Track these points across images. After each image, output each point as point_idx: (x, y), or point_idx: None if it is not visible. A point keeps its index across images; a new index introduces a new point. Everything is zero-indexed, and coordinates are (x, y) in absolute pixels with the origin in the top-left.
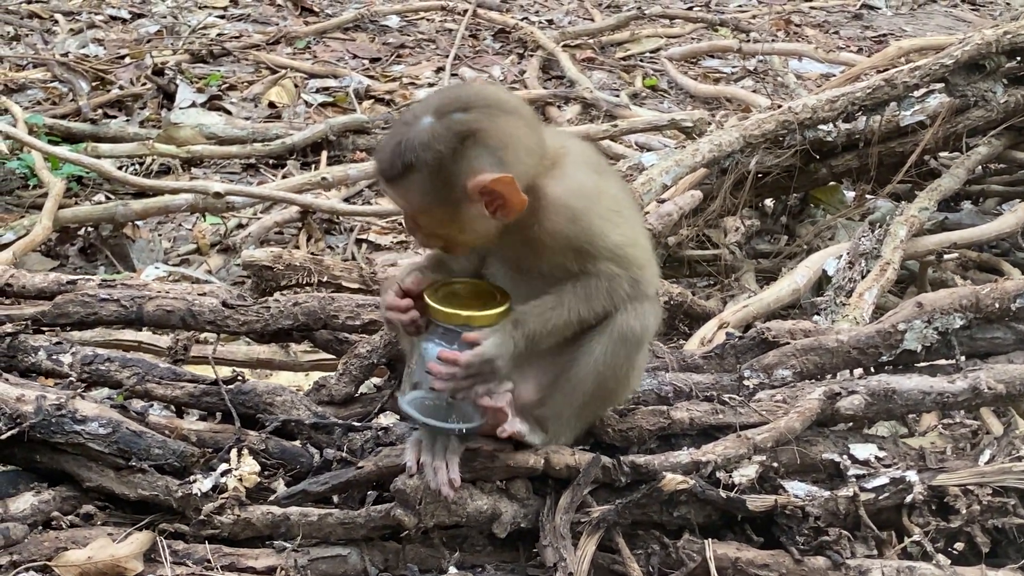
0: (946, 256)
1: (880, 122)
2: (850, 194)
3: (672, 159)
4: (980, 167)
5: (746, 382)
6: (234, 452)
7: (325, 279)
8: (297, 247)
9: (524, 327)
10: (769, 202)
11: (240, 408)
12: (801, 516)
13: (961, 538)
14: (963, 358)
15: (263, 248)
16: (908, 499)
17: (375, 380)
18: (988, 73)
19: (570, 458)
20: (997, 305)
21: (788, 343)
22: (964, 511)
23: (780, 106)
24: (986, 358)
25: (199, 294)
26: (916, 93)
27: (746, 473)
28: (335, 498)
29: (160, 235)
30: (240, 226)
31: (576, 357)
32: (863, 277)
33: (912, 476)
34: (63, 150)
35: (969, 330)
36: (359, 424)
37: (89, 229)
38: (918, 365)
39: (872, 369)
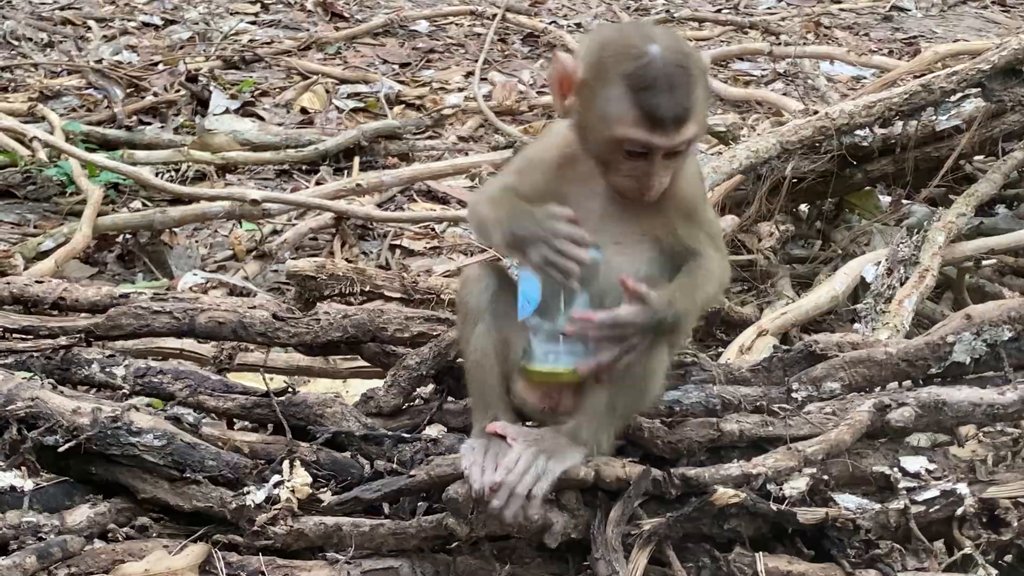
0: (984, 262)
1: (916, 127)
2: (885, 199)
3: (709, 165)
4: (1016, 171)
5: (794, 395)
6: (286, 463)
7: (367, 288)
8: (331, 253)
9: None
10: (804, 207)
11: (291, 420)
12: (852, 529)
13: (1011, 550)
14: (1011, 370)
15: (306, 259)
16: (959, 511)
17: (422, 390)
18: None
19: (620, 470)
20: None
21: (836, 355)
22: (1015, 523)
23: (816, 112)
24: None
25: (249, 307)
26: (952, 98)
27: (796, 486)
28: (386, 509)
29: (197, 242)
30: (275, 232)
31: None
32: (902, 284)
33: (963, 489)
34: (101, 157)
35: (1018, 342)
36: (408, 435)
37: (127, 236)
38: (967, 377)
39: (921, 381)
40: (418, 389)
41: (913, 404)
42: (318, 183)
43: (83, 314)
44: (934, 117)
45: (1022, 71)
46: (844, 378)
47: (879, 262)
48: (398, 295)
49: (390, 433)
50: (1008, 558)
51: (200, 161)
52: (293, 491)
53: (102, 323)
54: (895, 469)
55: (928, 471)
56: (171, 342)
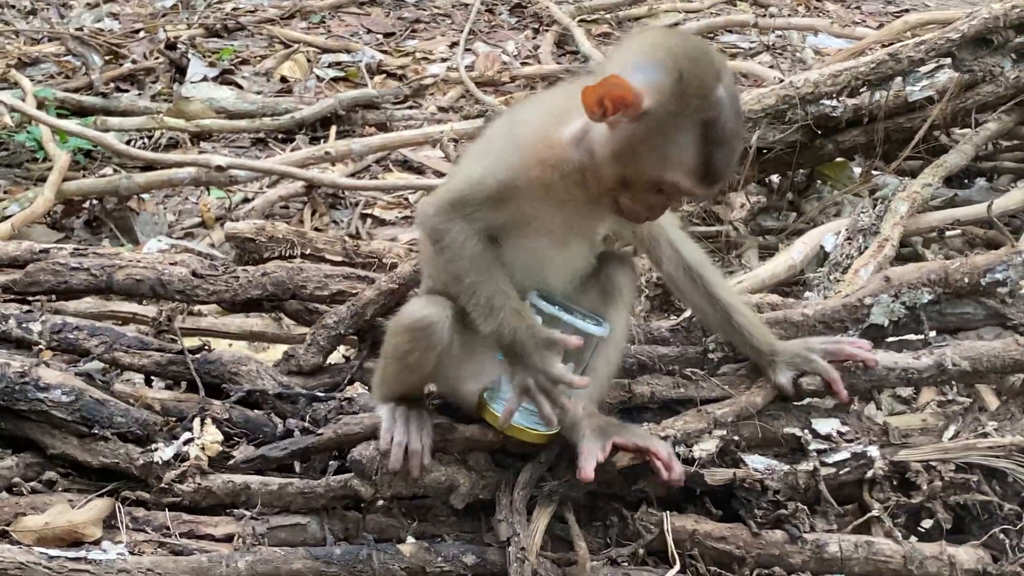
0: (948, 233)
1: (886, 97)
2: (859, 170)
3: None
4: (992, 143)
5: (710, 355)
6: (197, 421)
7: (308, 252)
8: (301, 221)
9: None
10: (775, 178)
11: (206, 377)
12: (760, 490)
13: (924, 514)
14: (933, 333)
15: (246, 221)
16: (869, 474)
17: (344, 350)
18: (996, 48)
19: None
20: (967, 280)
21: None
22: (925, 487)
23: (781, 80)
24: (956, 333)
25: (170, 263)
26: (923, 68)
27: (706, 447)
28: (297, 468)
29: (166, 208)
30: (246, 200)
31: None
32: (860, 253)
33: (873, 451)
34: (68, 123)
35: (939, 305)
36: (323, 394)
37: (94, 202)
38: (887, 340)
39: None
40: (339, 347)
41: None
42: (293, 152)
43: (5, 270)
44: (906, 88)
45: (992, 41)
46: None
47: (839, 232)
48: (339, 259)
49: (304, 391)
50: (926, 523)
51: (174, 128)
52: (203, 448)
53: (20, 279)
54: (806, 431)
55: (840, 433)
56: (125, 306)
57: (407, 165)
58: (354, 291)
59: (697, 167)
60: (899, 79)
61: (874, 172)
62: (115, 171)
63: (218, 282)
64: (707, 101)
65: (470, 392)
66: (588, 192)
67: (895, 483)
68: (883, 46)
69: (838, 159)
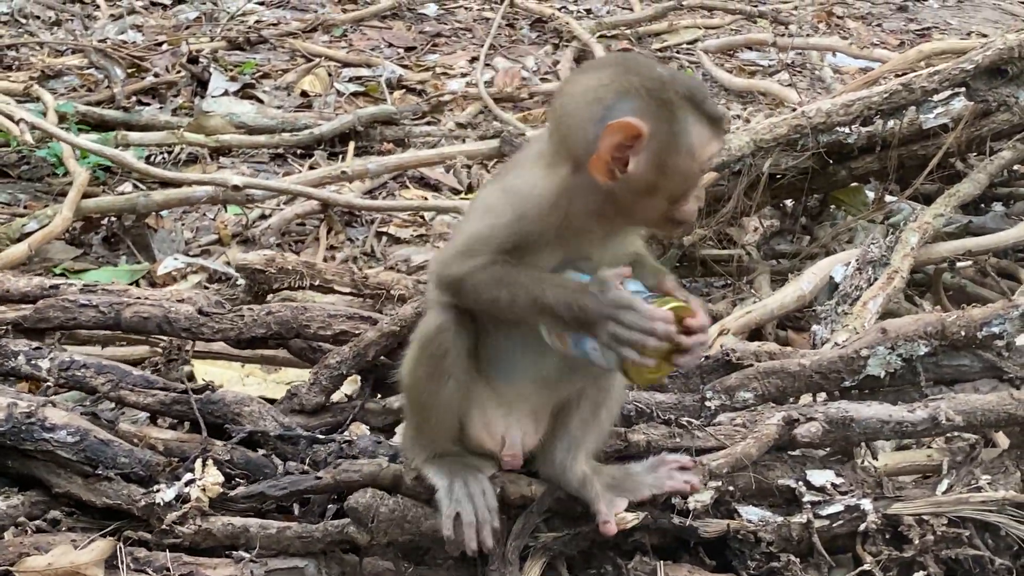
0: (959, 263)
1: (900, 126)
2: (873, 195)
3: None
4: (1007, 171)
5: (708, 403)
6: (199, 462)
7: (317, 283)
8: (317, 239)
9: None
10: (789, 203)
11: (209, 417)
12: (754, 541)
13: (916, 568)
14: (931, 384)
15: (256, 251)
16: (862, 527)
17: (347, 389)
18: (1011, 78)
19: (526, 488)
20: (963, 333)
21: (752, 365)
22: (917, 541)
23: (795, 109)
24: (952, 384)
25: (177, 300)
26: (936, 97)
27: (701, 498)
28: (296, 511)
29: (183, 225)
30: (263, 217)
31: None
32: (870, 285)
33: (867, 504)
34: (85, 140)
35: (935, 357)
36: (323, 436)
37: (112, 219)
38: (884, 390)
39: (838, 392)
40: (343, 386)
41: (821, 419)
42: (311, 168)
43: (16, 305)
44: (920, 116)
45: (1007, 71)
46: (757, 388)
47: (849, 262)
48: (348, 290)
49: (305, 433)
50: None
51: (193, 144)
52: (204, 490)
53: (30, 315)
54: (800, 483)
55: (834, 485)
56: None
57: (423, 182)
58: (357, 332)
59: (710, 130)
60: (913, 108)
61: (889, 198)
62: (135, 187)
63: (223, 320)
64: (668, 83)
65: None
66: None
67: (888, 536)
68: (897, 75)
69: (852, 184)
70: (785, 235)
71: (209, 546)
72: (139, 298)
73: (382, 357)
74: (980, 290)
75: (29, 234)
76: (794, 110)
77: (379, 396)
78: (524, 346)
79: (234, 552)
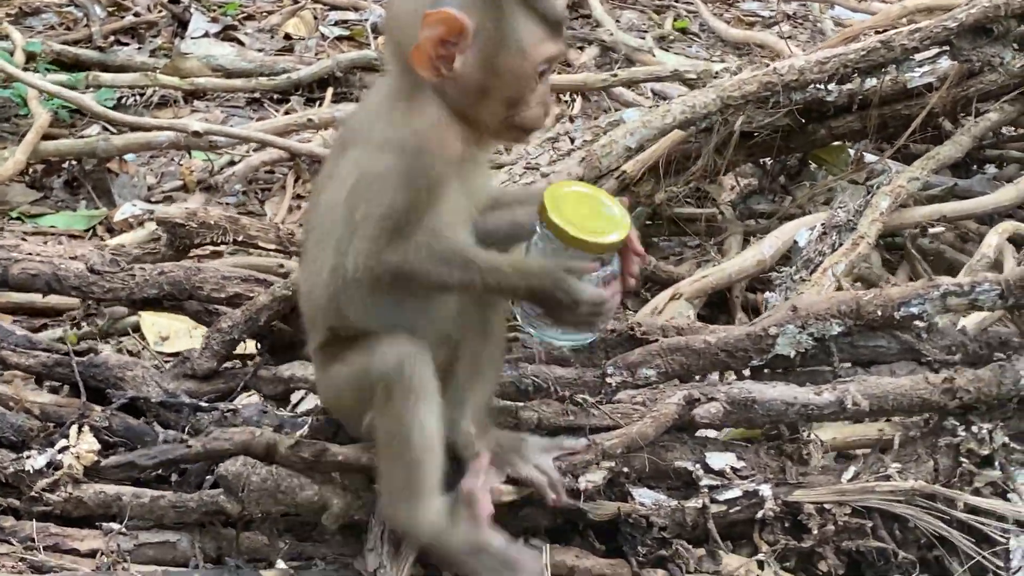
0: (933, 229)
1: (880, 84)
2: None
3: (640, 120)
4: (995, 133)
5: (608, 379)
6: (74, 428)
7: (241, 238)
8: (284, 188)
9: None
10: (769, 161)
11: (91, 381)
12: (645, 526)
13: (816, 559)
14: (848, 364)
15: (177, 205)
16: (759, 514)
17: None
18: (996, 37)
19: None
20: (880, 313)
21: (656, 340)
22: (817, 531)
23: (769, 64)
24: (869, 366)
25: (69, 257)
26: (922, 55)
27: (593, 479)
28: (173, 480)
29: (149, 169)
30: (231, 163)
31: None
32: (833, 251)
33: (766, 490)
34: (44, 82)
35: (850, 337)
36: (207, 404)
37: (74, 162)
38: (797, 370)
39: (749, 371)
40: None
41: (723, 400)
42: (287, 113)
43: None
44: (905, 75)
45: (992, 30)
46: (660, 365)
47: (815, 226)
48: (273, 246)
49: (187, 401)
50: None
51: (166, 86)
52: (78, 457)
53: None
54: (698, 466)
55: (734, 469)
56: None
57: None
58: (251, 294)
59: (546, 29)
60: (893, 66)
61: (871, 157)
62: (104, 129)
63: (115, 280)
64: None
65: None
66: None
67: (787, 525)
68: (878, 32)
69: (835, 143)
70: (765, 194)
71: (81, 515)
72: (29, 254)
73: (277, 322)
74: (959, 256)
75: None
76: (767, 66)
77: (274, 362)
78: (428, 307)
79: (103, 524)
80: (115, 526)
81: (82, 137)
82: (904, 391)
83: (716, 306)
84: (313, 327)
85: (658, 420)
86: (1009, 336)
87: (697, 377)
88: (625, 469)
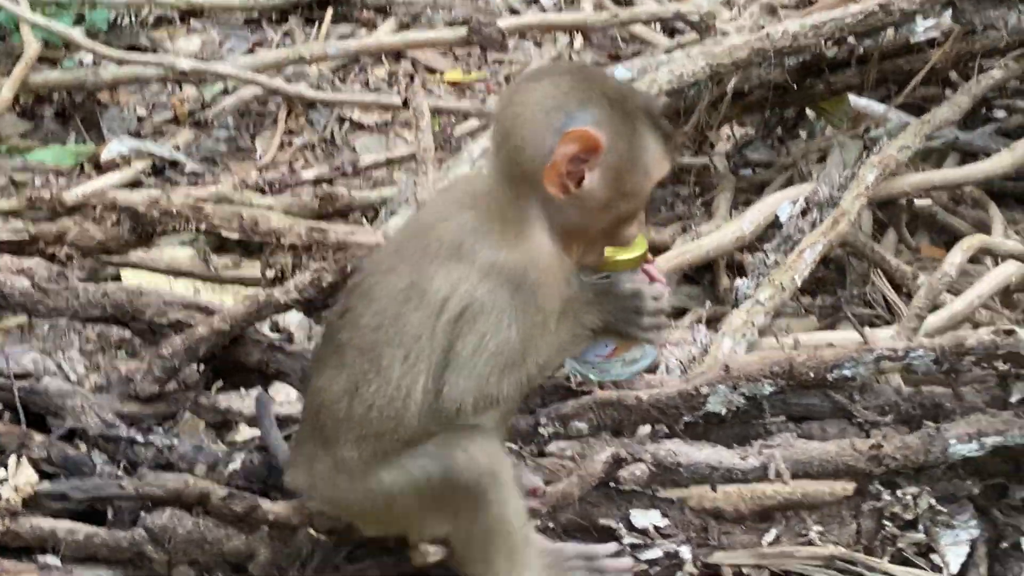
0: (917, 202)
1: (879, 45)
2: (864, 101)
3: None
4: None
5: (541, 430)
6: (13, 459)
7: (204, 227)
8: (275, 121)
9: None
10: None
11: (33, 407)
12: None
13: None
14: (782, 420)
15: (142, 191)
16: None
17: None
18: (1001, 1)
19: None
20: (812, 374)
21: (589, 392)
22: None
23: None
24: (801, 422)
25: (16, 271)
26: (917, 22)
27: None
28: (110, 515)
29: (142, 99)
30: (225, 92)
31: None
32: (813, 228)
33: (685, 552)
34: (33, 14)
35: (783, 394)
36: (142, 439)
37: (64, 93)
38: (730, 422)
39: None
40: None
41: (649, 462)
42: (286, 35)
43: None
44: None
45: None
46: (593, 419)
47: (797, 200)
48: (237, 235)
49: (124, 435)
50: None
51: (162, 4)
52: (16, 489)
53: None
54: (622, 524)
55: (657, 528)
56: None
57: (400, 57)
58: (191, 323)
59: (664, 148)
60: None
61: (879, 107)
62: (96, 61)
63: (59, 299)
64: (628, 96)
65: None
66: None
67: None
68: None
69: (836, 96)
70: (763, 143)
71: (19, 547)
72: None
73: (212, 353)
74: (951, 219)
75: None
76: (760, 29)
77: (216, 388)
78: None
79: (39, 557)
80: (51, 559)
81: (75, 65)
82: (830, 457)
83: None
84: (357, 435)
85: (584, 480)
86: (943, 399)
87: (628, 432)
88: (550, 524)
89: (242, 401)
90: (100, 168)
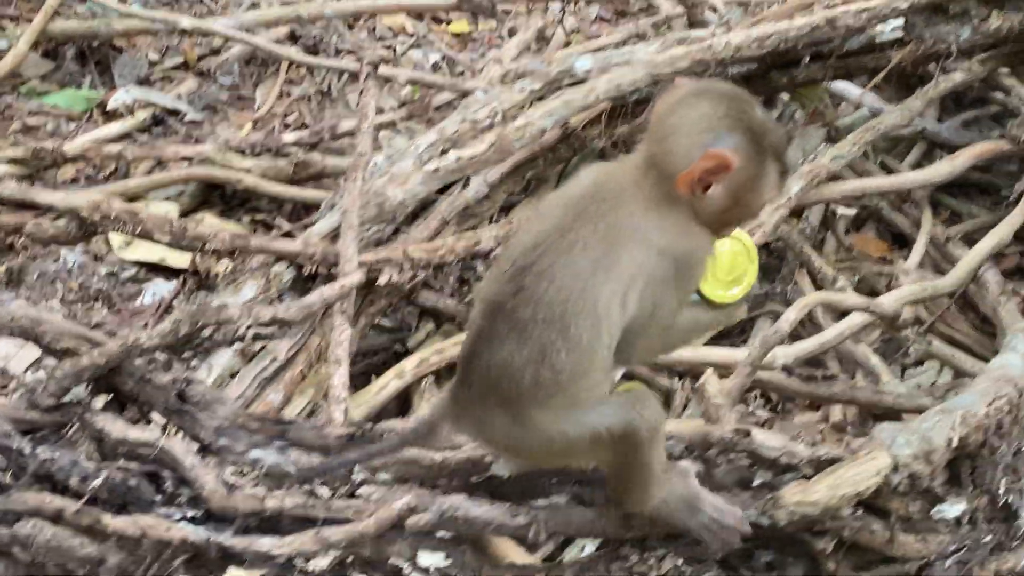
0: (843, 211)
1: (834, 50)
2: (843, 86)
3: (560, 99)
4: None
5: (353, 476)
6: None
7: (139, 231)
8: (278, 71)
9: None
10: None
11: None
12: None
13: None
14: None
15: (84, 192)
16: None
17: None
18: (952, 17)
19: (164, 532)
20: None
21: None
22: None
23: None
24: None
25: None
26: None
27: (320, 564)
28: None
29: (154, 44)
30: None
31: None
32: None
33: None
34: None
35: None
36: (28, 451)
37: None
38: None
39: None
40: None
41: (435, 512)
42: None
43: None
44: (877, 28)
45: (948, 9)
46: (397, 471)
47: None
48: (167, 239)
49: (14, 446)
50: None
51: None
52: None
53: None
54: (409, 564)
55: (439, 570)
56: None
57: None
58: (79, 352)
59: (780, 180)
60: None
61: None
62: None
63: None
64: (768, 132)
65: None
66: None
67: None
68: (826, 7)
69: (812, 82)
70: None
71: None
72: None
73: (93, 382)
74: (896, 216)
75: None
76: (700, 41)
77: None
78: None
79: None
80: None
81: (89, 14)
82: (585, 523)
83: None
84: (544, 396)
85: (379, 523)
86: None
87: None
88: (349, 559)
89: (115, 424)
90: (107, 116)
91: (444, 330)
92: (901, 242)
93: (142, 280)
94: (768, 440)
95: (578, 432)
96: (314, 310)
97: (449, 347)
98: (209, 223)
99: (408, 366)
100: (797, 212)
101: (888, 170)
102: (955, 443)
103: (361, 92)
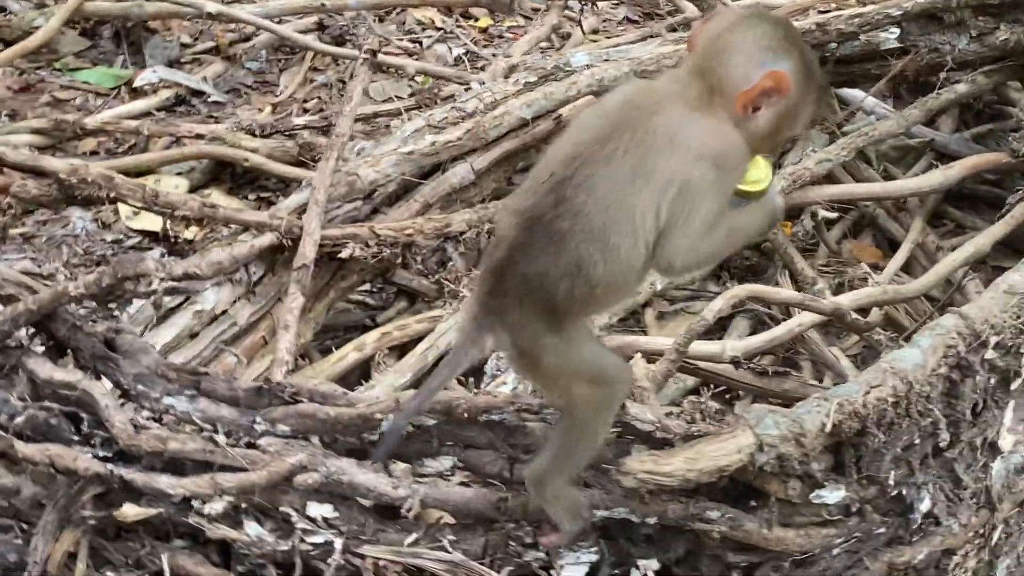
0: (824, 214)
1: (828, 57)
2: (850, 92)
3: (540, 91)
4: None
5: (256, 426)
6: None
7: (113, 195)
8: (303, 59)
9: None
10: None
11: None
12: (247, 553)
13: None
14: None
15: (63, 159)
16: (330, 560)
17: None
18: (948, 26)
19: (81, 463)
20: (467, 415)
21: (297, 403)
22: None
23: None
24: (467, 449)
25: None
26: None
27: (215, 507)
28: None
29: (186, 27)
30: None
31: None
32: None
33: (338, 542)
34: None
35: (450, 425)
36: None
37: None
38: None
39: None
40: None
41: (323, 473)
42: None
43: None
44: (880, 35)
45: (943, 19)
46: (295, 425)
47: None
48: (140, 204)
49: None
50: None
51: None
52: None
53: None
54: (297, 512)
55: (326, 519)
56: None
57: None
58: (18, 298)
59: (817, 108)
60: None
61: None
62: None
63: None
64: (815, 63)
65: None
66: None
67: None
68: (820, 12)
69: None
70: None
71: None
72: None
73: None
74: (890, 224)
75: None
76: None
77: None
78: None
79: None
80: None
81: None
82: (465, 501)
83: None
84: (579, 308)
85: (271, 475)
86: None
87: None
88: (243, 504)
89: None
90: (134, 94)
91: (415, 309)
92: (896, 250)
93: (144, 249)
94: (642, 414)
95: (587, 359)
96: (224, 267)
97: (412, 324)
98: (215, 198)
99: (369, 339)
100: (789, 216)
101: (889, 178)
102: (828, 428)
103: (351, 76)
